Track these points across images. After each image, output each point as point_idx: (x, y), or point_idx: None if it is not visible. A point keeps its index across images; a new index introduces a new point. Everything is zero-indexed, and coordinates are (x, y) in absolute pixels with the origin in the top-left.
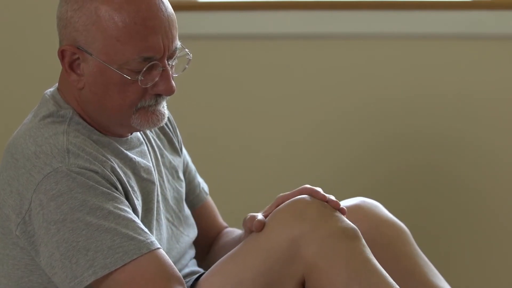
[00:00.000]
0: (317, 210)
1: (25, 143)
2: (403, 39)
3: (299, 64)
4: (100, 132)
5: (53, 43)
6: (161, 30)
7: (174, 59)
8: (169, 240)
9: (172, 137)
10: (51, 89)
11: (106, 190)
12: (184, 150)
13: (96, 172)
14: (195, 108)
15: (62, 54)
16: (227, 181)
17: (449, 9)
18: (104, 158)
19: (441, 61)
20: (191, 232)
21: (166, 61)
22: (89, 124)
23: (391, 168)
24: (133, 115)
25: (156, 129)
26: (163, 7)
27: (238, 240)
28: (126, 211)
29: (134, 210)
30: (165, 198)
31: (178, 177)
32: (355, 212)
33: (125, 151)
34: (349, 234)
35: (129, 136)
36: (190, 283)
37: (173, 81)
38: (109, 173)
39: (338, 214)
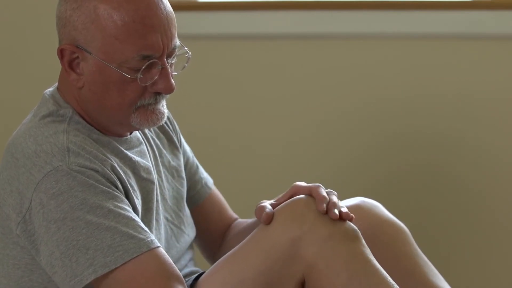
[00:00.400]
0: (317, 211)
1: (25, 142)
2: (403, 39)
3: (299, 64)
4: (99, 131)
5: (53, 43)
6: (160, 28)
7: (173, 57)
8: (168, 239)
9: (172, 135)
10: (51, 89)
11: (106, 188)
12: (185, 146)
13: (96, 171)
14: (195, 108)
15: (61, 53)
16: (227, 181)
17: (449, 9)
18: (104, 157)
19: (441, 61)
20: (191, 232)
21: (165, 59)
22: (88, 123)
23: (391, 168)
24: (133, 114)
25: (155, 128)
26: (161, 5)
27: (251, 227)
28: (126, 209)
29: (134, 209)
30: (163, 198)
31: (179, 176)
32: (355, 212)
33: (124, 150)
34: (349, 235)
35: (129, 136)
36: (189, 282)
37: (172, 80)
38: (109, 172)
39: None
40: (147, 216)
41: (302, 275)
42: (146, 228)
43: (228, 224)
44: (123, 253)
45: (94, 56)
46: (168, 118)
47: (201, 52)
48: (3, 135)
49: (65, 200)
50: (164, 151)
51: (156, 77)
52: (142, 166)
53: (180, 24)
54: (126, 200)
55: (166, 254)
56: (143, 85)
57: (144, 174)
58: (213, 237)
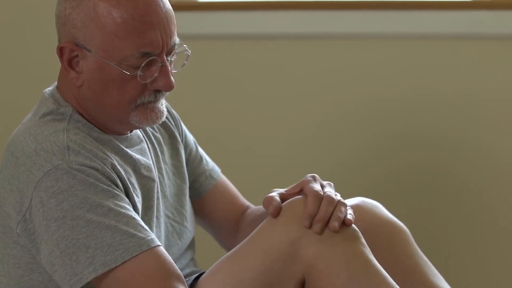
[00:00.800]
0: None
1: (25, 141)
2: (403, 39)
3: (299, 64)
4: (99, 129)
5: (53, 43)
6: (160, 25)
7: (173, 55)
8: (169, 237)
9: (174, 130)
10: (50, 88)
11: (107, 187)
12: (188, 138)
13: (97, 169)
14: (195, 108)
15: (61, 51)
16: None
17: (449, 9)
18: (104, 155)
19: (441, 61)
20: (193, 229)
21: (165, 57)
22: (88, 121)
23: (391, 168)
24: (132, 112)
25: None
26: (161, 2)
27: (264, 216)
28: (126, 208)
29: (134, 208)
30: (164, 195)
31: (180, 172)
32: (355, 212)
33: (125, 148)
34: (349, 235)
35: (129, 134)
36: (189, 282)
37: (172, 77)
38: (109, 170)
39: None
40: (147, 214)
41: (302, 275)
42: (146, 227)
43: (240, 212)
44: (123, 252)
45: (93, 54)
46: (169, 112)
47: (201, 52)
48: (3, 135)
49: (65, 199)
50: (165, 147)
51: (155, 75)
52: (142, 164)
53: (180, 24)
54: (126, 198)
55: (167, 253)
56: (143, 82)
57: (144, 172)
58: (226, 226)
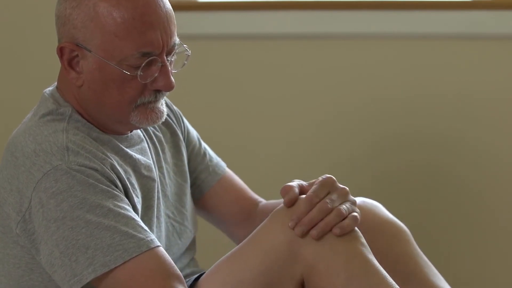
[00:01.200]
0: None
1: (24, 141)
2: (403, 39)
3: (299, 64)
4: (99, 129)
5: (53, 43)
6: (160, 25)
7: (173, 55)
8: (169, 236)
9: (176, 128)
10: (50, 88)
11: (106, 188)
12: (191, 134)
13: (96, 170)
14: (195, 108)
15: (61, 51)
16: None
17: (449, 9)
18: (103, 156)
19: (441, 61)
20: (193, 228)
21: (165, 57)
22: (88, 121)
23: (391, 168)
24: (132, 112)
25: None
26: (161, 2)
27: None
28: (126, 209)
29: (134, 208)
30: (165, 195)
31: (181, 170)
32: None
33: (125, 148)
34: (349, 235)
35: (129, 134)
36: (190, 282)
37: (172, 77)
38: (108, 171)
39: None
40: (147, 214)
41: (301, 275)
42: (146, 228)
43: (249, 205)
44: (122, 253)
45: (93, 54)
46: (170, 109)
47: (201, 52)
48: (3, 135)
49: (65, 200)
50: (167, 146)
51: (156, 75)
52: (142, 164)
53: (180, 24)
54: (126, 199)
55: (166, 254)
56: (143, 82)
57: (144, 172)
58: (234, 220)
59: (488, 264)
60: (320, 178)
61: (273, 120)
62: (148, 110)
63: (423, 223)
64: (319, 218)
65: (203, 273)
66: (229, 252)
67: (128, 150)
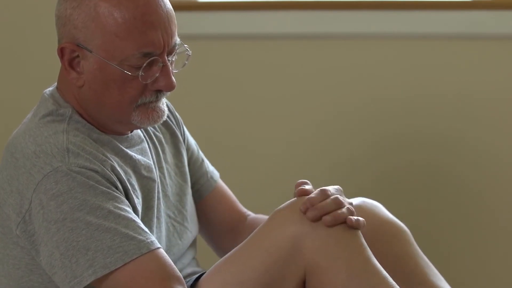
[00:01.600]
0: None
1: (24, 143)
2: (403, 39)
3: (299, 64)
4: (99, 130)
5: (53, 43)
6: (160, 25)
7: (174, 55)
8: (170, 237)
9: (175, 130)
10: (50, 88)
11: (106, 189)
12: (190, 140)
13: (96, 172)
14: (195, 108)
15: (61, 52)
16: (227, 181)
17: (449, 9)
18: (104, 157)
19: (441, 61)
20: (194, 229)
21: (166, 57)
22: (88, 122)
23: (391, 168)
24: (133, 112)
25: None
26: (161, 2)
27: None
28: (126, 210)
29: (134, 209)
30: (165, 195)
31: (182, 171)
32: (356, 212)
33: (125, 149)
34: (350, 234)
35: (130, 134)
36: (190, 282)
37: (173, 77)
38: (109, 172)
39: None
40: (148, 215)
41: (302, 274)
42: (146, 229)
43: (238, 217)
44: (123, 254)
45: (94, 54)
46: (171, 112)
47: (201, 52)
48: (3, 135)
49: (65, 201)
50: (167, 147)
51: (156, 75)
52: (143, 164)
53: (180, 24)
54: (126, 200)
55: (167, 255)
56: (144, 82)
57: (145, 172)
58: (221, 230)
59: (488, 264)
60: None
61: (273, 120)
62: (149, 110)
63: (423, 223)
64: (332, 208)
65: (204, 273)
66: (230, 252)
67: (128, 150)
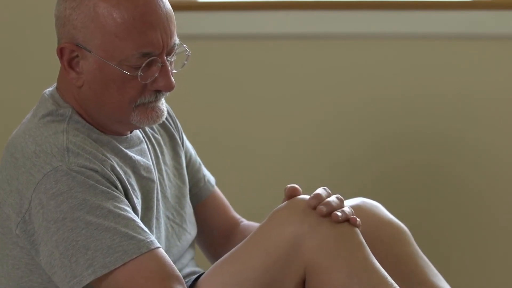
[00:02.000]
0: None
1: (24, 142)
2: (403, 39)
3: (299, 64)
4: (99, 130)
5: (53, 43)
6: (160, 25)
7: (173, 55)
8: (169, 238)
9: (174, 132)
10: (50, 89)
11: (106, 189)
12: (187, 144)
13: (96, 171)
14: (194, 108)
15: (61, 52)
16: (227, 181)
17: (449, 9)
18: (103, 157)
19: (441, 61)
20: (193, 230)
21: (165, 57)
22: (88, 122)
23: (391, 168)
24: (133, 112)
25: (157, 125)
26: (161, 2)
27: None
28: (126, 210)
29: (134, 209)
30: (164, 196)
31: (180, 173)
32: (355, 212)
33: (124, 149)
34: (349, 233)
35: (129, 135)
36: (190, 283)
37: (172, 77)
38: (109, 172)
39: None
40: (147, 215)
41: (302, 274)
42: (146, 229)
43: (232, 224)
44: (122, 254)
45: (94, 54)
46: (169, 115)
47: (201, 52)
48: (3, 135)
49: (65, 201)
50: (166, 149)
51: (156, 75)
52: (142, 165)
53: (180, 24)
54: (126, 200)
55: (166, 255)
56: (144, 82)
57: (144, 173)
58: (215, 235)
59: (488, 264)
60: None
61: (273, 120)
62: (148, 110)
63: (423, 223)
64: (339, 205)
65: (203, 273)
66: (229, 253)
67: (127, 151)
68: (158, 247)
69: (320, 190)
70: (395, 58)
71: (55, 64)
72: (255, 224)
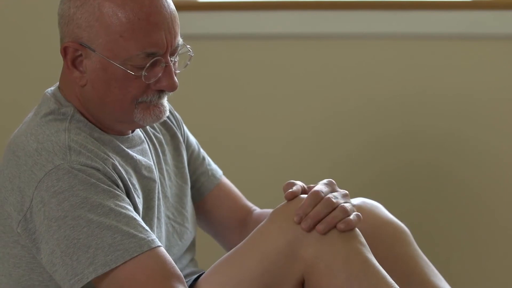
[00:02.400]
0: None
1: (26, 141)
2: (403, 39)
3: (299, 64)
4: (101, 129)
5: (52, 43)
6: (164, 26)
7: (176, 55)
8: (170, 237)
9: (176, 130)
10: (52, 88)
11: (107, 187)
12: (190, 138)
13: (98, 170)
14: (194, 108)
15: (64, 51)
16: None
17: (449, 9)
18: (105, 156)
19: (441, 61)
20: (193, 229)
21: (168, 57)
22: (90, 121)
23: (391, 168)
24: (135, 109)
25: (158, 124)
26: (165, 3)
27: None
28: (127, 208)
29: (135, 208)
30: (165, 196)
31: (182, 172)
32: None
33: (126, 149)
34: (348, 234)
35: (131, 135)
36: (189, 283)
37: (175, 77)
38: (110, 171)
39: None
40: (148, 215)
41: (301, 275)
42: (147, 227)
43: (244, 212)
44: (123, 252)
45: (97, 53)
46: (171, 112)
47: (201, 52)
48: (3, 135)
49: (66, 199)
50: (167, 148)
51: (159, 75)
52: (143, 165)
53: (180, 24)
54: (127, 199)
55: (167, 254)
56: (147, 82)
57: (145, 173)
58: (228, 226)
59: (488, 264)
60: (321, 181)
61: (273, 120)
62: (151, 106)
63: (423, 223)
64: (324, 212)
65: (203, 273)
66: (229, 253)
67: (129, 151)
68: (159, 246)
69: (320, 187)
70: (395, 58)
71: (55, 64)
72: (268, 211)
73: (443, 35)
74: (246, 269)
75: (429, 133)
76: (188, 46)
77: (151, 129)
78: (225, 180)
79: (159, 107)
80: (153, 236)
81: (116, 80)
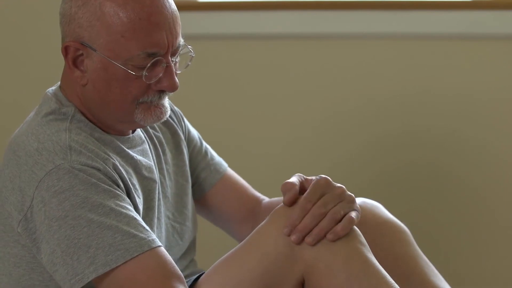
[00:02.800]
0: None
1: (27, 140)
2: (403, 39)
3: (299, 64)
4: (102, 130)
5: (52, 43)
6: (165, 26)
7: (177, 55)
8: (170, 237)
9: (177, 128)
10: (53, 87)
11: (108, 187)
12: (192, 133)
13: (98, 169)
14: (194, 108)
15: (65, 50)
16: None
17: (449, 9)
18: (106, 156)
19: (441, 61)
20: (194, 228)
21: (169, 57)
22: (91, 121)
23: (391, 168)
24: (136, 109)
25: (159, 123)
26: (167, 3)
27: None
28: (127, 208)
29: (136, 208)
30: (165, 196)
31: (183, 171)
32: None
33: (126, 149)
34: (348, 234)
35: (131, 135)
36: (189, 283)
37: (176, 78)
38: (111, 171)
39: None
40: (148, 215)
41: (301, 275)
42: (147, 227)
43: (252, 203)
44: (124, 252)
45: (99, 53)
46: (172, 110)
47: (201, 52)
48: (3, 135)
49: (67, 198)
50: (167, 147)
51: (160, 75)
52: (144, 165)
53: (181, 24)
54: (127, 199)
55: (167, 253)
56: (148, 82)
57: (146, 173)
58: (236, 218)
59: (488, 263)
60: (314, 178)
61: (272, 120)
62: (152, 107)
63: (423, 223)
64: (313, 224)
65: (203, 273)
66: (228, 253)
67: (129, 151)
68: (160, 246)
69: (296, 212)
70: (395, 58)
71: (55, 64)
72: (277, 200)
73: (443, 35)
74: (246, 269)
75: (429, 133)
76: (189, 46)
77: (151, 129)
78: (230, 172)
79: (160, 108)
80: (154, 236)
81: (117, 80)
